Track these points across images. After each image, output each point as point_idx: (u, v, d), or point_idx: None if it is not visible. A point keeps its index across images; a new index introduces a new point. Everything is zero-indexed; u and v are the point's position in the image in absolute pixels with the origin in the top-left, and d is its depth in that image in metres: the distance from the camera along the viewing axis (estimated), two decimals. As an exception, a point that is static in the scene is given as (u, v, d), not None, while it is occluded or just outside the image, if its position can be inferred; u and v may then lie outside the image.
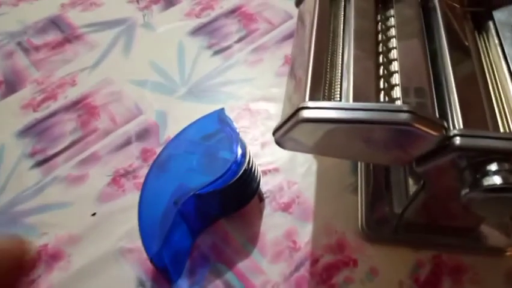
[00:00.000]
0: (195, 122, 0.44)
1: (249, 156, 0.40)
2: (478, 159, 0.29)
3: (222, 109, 0.44)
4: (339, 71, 0.33)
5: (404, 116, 0.27)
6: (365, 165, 0.45)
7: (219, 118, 0.43)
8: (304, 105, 0.29)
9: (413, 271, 0.38)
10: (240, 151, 0.39)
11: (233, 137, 0.40)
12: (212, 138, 0.42)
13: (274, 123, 0.31)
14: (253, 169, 0.41)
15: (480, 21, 0.39)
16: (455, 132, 0.28)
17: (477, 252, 0.39)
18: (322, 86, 0.31)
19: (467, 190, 0.29)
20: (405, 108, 0.27)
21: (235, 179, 0.39)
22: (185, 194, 0.37)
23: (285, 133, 0.30)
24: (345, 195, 0.43)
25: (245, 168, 0.39)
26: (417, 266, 0.38)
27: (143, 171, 0.46)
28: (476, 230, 0.39)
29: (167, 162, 0.41)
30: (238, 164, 0.39)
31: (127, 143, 0.49)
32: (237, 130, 0.41)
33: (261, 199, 0.43)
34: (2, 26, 0.65)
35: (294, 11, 0.61)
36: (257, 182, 0.42)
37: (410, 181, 0.43)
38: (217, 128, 0.42)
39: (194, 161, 0.40)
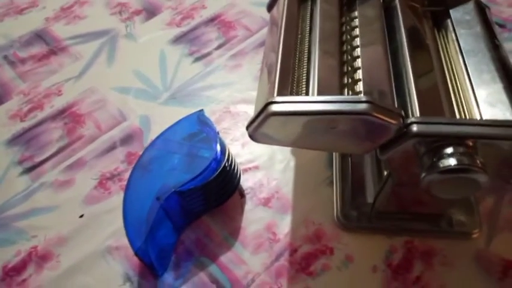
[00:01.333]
0: (175, 124, 0.46)
1: (228, 154, 0.42)
2: (435, 145, 0.31)
3: (201, 110, 0.46)
4: (306, 68, 0.35)
5: (363, 106, 0.29)
6: (340, 159, 0.47)
7: (199, 119, 0.45)
8: (273, 100, 0.31)
9: (387, 256, 0.40)
10: (218, 149, 0.41)
11: (212, 137, 0.42)
12: (192, 139, 0.44)
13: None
14: (232, 166, 0.43)
15: (439, 20, 0.42)
16: (412, 119, 0.31)
17: (446, 237, 0.41)
18: (290, 82, 0.34)
19: (425, 173, 0.31)
20: (364, 99, 0.30)
21: (215, 175, 0.41)
22: (167, 191, 0.39)
23: (256, 127, 0.32)
24: (322, 188, 0.45)
25: (224, 165, 0.41)
26: (391, 251, 0.40)
27: (128, 174, 0.48)
28: (444, 216, 0.42)
29: (149, 163, 0.43)
30: (218, 161, 0.41)
31: (112, 147, 0.51)
32: (216, 130, 0.43)
33: (242, 195, 0.45)
34: (-12, 41, 0.67)
35: (271, 18, 0.64)
36: (237, 179, 0.44)
37: (384, 176, 0.45)
38: (197, 128, 0.44)
39: (176, 160, 0.42)
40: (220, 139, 0.42)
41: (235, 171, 0.44)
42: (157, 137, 0.45)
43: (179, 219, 0.43)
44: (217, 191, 0.43)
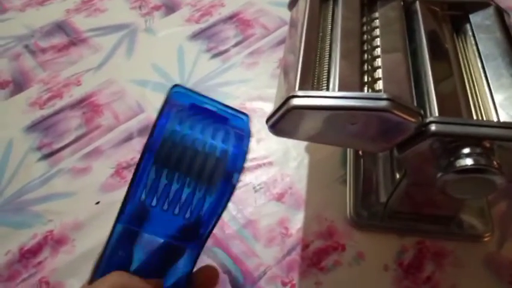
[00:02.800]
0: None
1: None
2: (452, 145, 0.31)
3: (175, 87, 0.29)
4: (327, 66, 0.36)
5: (383, 103, 0.30)
6: (354, 158, 0.48)
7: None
8: (294, 94, 0.32)
9: (398, 256, 0.41)
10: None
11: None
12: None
13: (269, 121, 0.33)
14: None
15: (458, 24, 0.42)
16: (431, 119, 0.31)
17: (458, 239, 0.41)
18: (311, 78, 0.34)
19: (441, 172, 0.31)
20: (385, 96, 0.30)
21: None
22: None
23: (277, 121, 0.33)
24: (335, 186, 0.46)
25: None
26: (402, 251, 0.41)
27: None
28: (456, 218, 0.42)
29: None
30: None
31: (129, 138, 0.52)
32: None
33: (255, 190, 0.46)
34: (10, 30, 0.68)
35: (289, 18, 0.65)
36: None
37: (397, 176, 0.45)
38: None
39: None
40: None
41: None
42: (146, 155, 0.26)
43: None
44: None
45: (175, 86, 0.29)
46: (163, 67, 0.60)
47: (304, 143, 0.50)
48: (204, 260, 0.41)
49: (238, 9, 0.68)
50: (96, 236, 0.43)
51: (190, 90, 0.29)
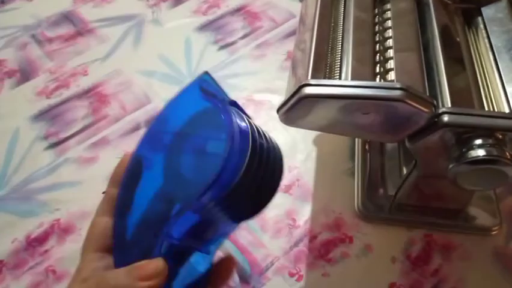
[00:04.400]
0: (173, 102, 0.30)
1: (258, 132, 0.28)
2: (464, 136, 0.31)
3: (205, 73, 0.30)
4: (339, 55, 0.36)
5: (397, 93, 0.30)
6: (362, 151, 0.47)
7: (202, 89, 0.29)
8: (307, 83, 0.31)
9: (406, 248, 0.41)
10: (237, 134, 0.25)
11: (223, 116, 0.26)
12: (196, 123, 0.28)
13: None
14: (270, 145, 0.29)
15: (470, 17, 0.42)
16: (444, 109, 0.31)
17: (466, 232, 0.41)
18: (323, 67, 0.34)
19: (453, 163, 0.31)
20: (398, 85, 0.30)
21: (241, 174, 0.25)
22: (173, 222, 0.26)
23: (288, 109, 0.33)
24: (343, 178, 0.46)
25: (251, 155, 0.26)
26: (410, 243, 0.41)
27: (152, 154, 0.49)
28: (465, 211, 0.42)
29: (144, 167, 0.30)
30: (239, 153, 0.25)
31: (136, 128, 0.52)
32: (228, 100, 0.29)
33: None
34: (16, 20, 0.68)
35: (297, 10, 0.64)
36: (281, 164, 0.30)
37: (404, 169, 0.45)
38: (202, 105, 0.28)
39: (178, 161, 0.28)
40: (237, 114, 0.27)
41: (275, 153, 0.30)
42: (152, 127, 0.31)
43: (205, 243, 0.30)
44: (254, 192, 0.28)
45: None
46: (170, 58, 0.60)
47: (312, 136, 0.50)
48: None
49: (245, 2, 0.67)
50: (103, 224, 0.43)
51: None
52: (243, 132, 0.26)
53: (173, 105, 0.30)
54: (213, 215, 0.28)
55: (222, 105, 0.27)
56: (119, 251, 0.28)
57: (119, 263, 0.27)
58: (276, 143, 0.31)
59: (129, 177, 0.30)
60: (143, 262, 0.26)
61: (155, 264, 0.26)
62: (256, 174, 0.27)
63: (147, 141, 0.31)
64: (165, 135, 0.30)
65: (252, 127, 0.28)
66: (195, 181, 0.26)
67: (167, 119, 0.31)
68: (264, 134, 0.29)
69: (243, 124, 0.27)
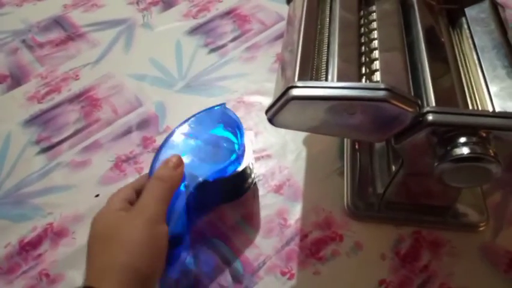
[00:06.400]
0: (199, 113, 0.45)
1: (251, 149, 0.43)
2: (449, 134, 0.32)
3: (224, 104, 0.45)
4: (325, 57, 0.36)
5: (381, 93, 0.30)
6: (351, 150, 0.48)
7: (223, 112, 0.45)
8: (294, 85, 0.32)
9: (395, 245, 0.41)
10: (243, 143, 0.42)
11: (237, 131, 0.43)
12: (216, 129, 0.43)
13: (267, 114, 0.34)
14: (251, 162, 0.44)
15: (454, 18, 0.43)
16: (428, 109, 0.32)
17: (454, 228, 0.42)
18: (309, 69, 0.35)
19: (438, 162, 0.32)
20: (383, 86, 0.31)
21: (239, 169, 0.41)
22: (193, 179, 0.38)
23: (276, 111, 0.33)
24: (333, 178, 0.46)
25: (248, 160, 0.42)
26: (399, 240, 0.42)
27: (144, 157, 0.49)
28: (452, 208, 0.43)
29: (172, 149, 0.42)
30: (241, 155, 0.42)
31: (128, 131, 0.52)
32: (241, 124, 0.43)
33: (254, 182, 0.46)
34: (7, 25, 0.68)
35: (286, 13, 0.65)
36: (252, 176, 0.46)
37: (392, 167, 0.46)
38: (221, 120, 0.44)
39: (198, 149, 0.41)
40: (244, 133, 0.43)
41: (252, 167, 0.45)
42: (180, 125, 0.44)
43: (192, 212, 0.40)
44: (238, 184, 0.43)
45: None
46: (161, 62, 0.60)
47: (302, 136, 0.50)
48: (204, 251, 0.41)
49: (235, 5, 0.68)
50: (96, 227, 0.43)
51: None
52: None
53: (199, 114, 0.45)
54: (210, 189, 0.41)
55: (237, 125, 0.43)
56: None
57: None
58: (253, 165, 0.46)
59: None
60: (169, 157, 0.37)
61: (176, 156, 0.37)
62: (242, 174, 0.42)
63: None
64: (192, 130, 0.43)
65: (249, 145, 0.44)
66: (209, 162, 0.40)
67: (195, 121, 0.44)
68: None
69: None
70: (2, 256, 0.43)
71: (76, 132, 0.52)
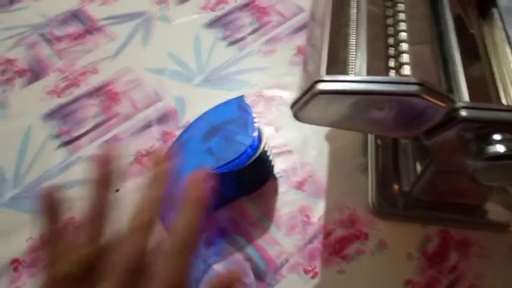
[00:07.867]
0: (215, 107, 0.45)
1: (265, 143, 0.42)
2: (482, 131, 0.31)
3: (242, 96, 0.45)
4: (353, 50, 0.35)
5: (414, 88, 0.29)
6: (375, 146, 0.47)
7: (238, 105, 0.44)
8: (321, 79, 0.31)
9: (422, 244, 0.40)
10: (256, 136, 0.41)
11: (250, 123, 0.42)
12: (231, 123, 0.43)
13: (288, 109, 0.33)
14: (267, 154, 0.43)
15: (485, 8, 0.41)
16: (461, 104, 0.30)
17: (483, 228, 0.41)
18: (337, 63, 0.34)
19: (472, 160, 0.31)
20: (414, 80, 0.29)
21: (250, 162, 0.40)
22: None
23: (302, 106, 0.32)
24: (356, 175, 0.45)
25: (261, 153, 0.41)
26: (426, 239, 0.40)
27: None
28: (481, 207, 0.41)
29: (187, 143, 0.43)
30: (254, 148, 0.41)
31: (148, 126, 0.52)
32: (255, 117, 0.43)
33: (275, 178, 0.46)
34: (25, 19, 0.67)
35: (305, 5, 0.64)
36: (271, 168, 0.45)
37: (418, 165, 0.45)
38: (236, 114, 0.44)
39: (213, 142, 0.42)
40: (258, 126, 0.42)
41: (270, 159, 0.44)
42: (197, 119, 0.44)
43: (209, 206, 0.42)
44: (251, 178, 0.43)
45: None
46: (180, 55, 0.59)
47: (323, 132, 0.49)
48: (226, 248, 0.41)
49: (254, -3, 0.67)
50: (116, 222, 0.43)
51: None
52: (259, 137, 0.42)
53: (216, 108, 0.46)
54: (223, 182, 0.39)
55: (251, 118, 0.43)
56: None
57: None
58: (272, 154, 0.45)
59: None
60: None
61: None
62: (257, 166, 0.42)
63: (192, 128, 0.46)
64: (207, 124, 0.44)
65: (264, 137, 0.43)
66: (222, 156, 0.41)
67: (210, 115, 0.45)
68: (268, 145, 0.44)
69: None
70: (24, 250, 0.43)
71: (96, 127, 0.52)
